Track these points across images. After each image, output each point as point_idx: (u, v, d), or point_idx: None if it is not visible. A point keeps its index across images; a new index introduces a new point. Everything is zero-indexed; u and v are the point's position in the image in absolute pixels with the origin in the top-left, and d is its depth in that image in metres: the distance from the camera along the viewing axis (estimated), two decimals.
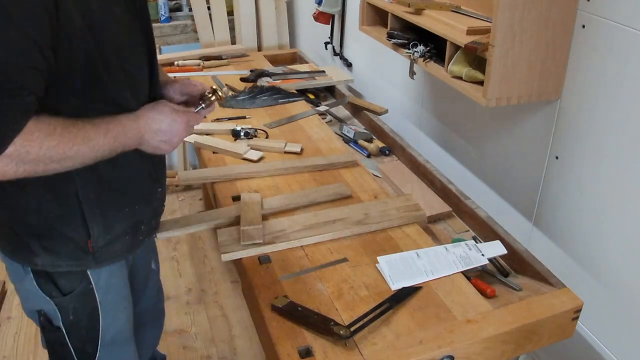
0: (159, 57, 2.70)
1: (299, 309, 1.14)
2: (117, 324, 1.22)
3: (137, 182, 1.13)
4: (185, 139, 1.85)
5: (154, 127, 1.04)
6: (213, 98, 1.19)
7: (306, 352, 1.06)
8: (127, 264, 1.24)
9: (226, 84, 2.36)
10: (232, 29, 3.14)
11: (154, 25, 3.13)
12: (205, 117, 1.20)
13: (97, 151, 0.95)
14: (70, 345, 1.18)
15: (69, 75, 0.91)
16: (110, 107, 0.99)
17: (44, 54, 0.84)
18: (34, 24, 0.81)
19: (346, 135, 2.03)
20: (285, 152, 1.81)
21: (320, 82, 2.44)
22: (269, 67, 2.65)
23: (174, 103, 1.14)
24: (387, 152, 1.95)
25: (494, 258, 1.37)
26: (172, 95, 1.20)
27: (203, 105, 1.18)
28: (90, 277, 1.13)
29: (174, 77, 1.33)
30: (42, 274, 1.11)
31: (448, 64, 1.45)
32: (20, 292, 1.17)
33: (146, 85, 1.09)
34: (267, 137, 1.92)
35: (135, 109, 1.05)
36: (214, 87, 1.20)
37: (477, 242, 1.37)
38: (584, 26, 1.28)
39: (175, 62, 2.63)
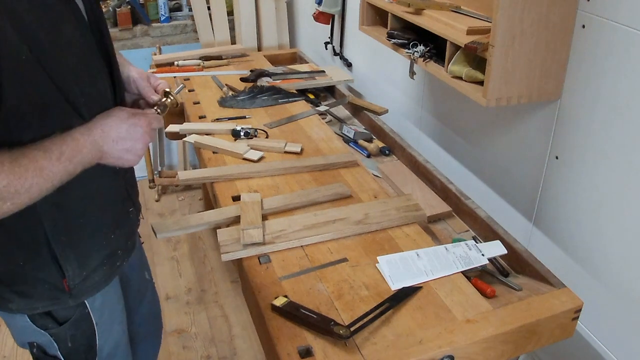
0: (159, 57, 2.70)
1: (299, 309, 1.14)
2: (113, 340, 1.20)
3: (110, 209, 1.07)
4: (186, 139, 1.87)
5: (112, 135, 0.95)
6: (168, 102, 1.11)
7: (306, 352, 1.06)
8: (118, 279, 1.21)
9: (226, 84, 2.36)
10: (232, 29, 3.14)
11: (154, 25, 3.15)
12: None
13: (52, 179, 0.86)
14: None
15: (20, 102, 0.84)
16: (65, 128, 0.91)
17: None
18: None
19: (346, 135, 2.03)
20: (285, 152, 1.81)
21: (320, 82, 2.44)
22: (269, 67, 2.65)
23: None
24: (387, 152, 1.95)
25: (494, 258, 1.37)
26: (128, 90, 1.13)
27: (158, 110, 1.09)
28: (85, 302, 1.10)
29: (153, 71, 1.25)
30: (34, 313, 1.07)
31: (448, 64, 1.45)
32: (11, 326, 1.13)
33: (109, 98, 1.02)
34: (267, 137, 1.92)
35: None
36: (167, 89, 1.13)
37: (477, 242, 1.37)
38: (584, 26, 1.28)
39: (175, 62, 2.63)
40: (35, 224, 0.96)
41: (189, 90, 2.35)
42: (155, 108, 1.09)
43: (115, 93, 1.04)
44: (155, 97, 1.12)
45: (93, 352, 1.16)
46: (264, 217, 1.44)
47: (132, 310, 1.36)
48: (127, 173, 1.13)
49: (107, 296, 1.15)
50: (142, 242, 1.40)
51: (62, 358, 1.13)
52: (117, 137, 0.95)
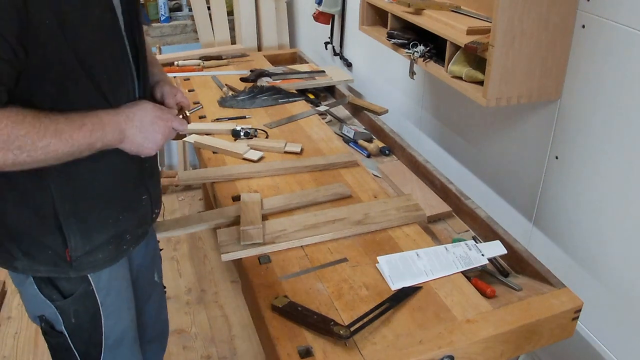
0: (159, 57, 2.70)
1: (299, 309, 1.14)
2: (120, 326, 1.21)
3: (119, 190, 1.09)
4: (186, 139, 1.87)
5: (136, 122, 1.01)
6: (181, 117, 1.16)
7: (306, 352, 1.06)
8: (128, 265, 1.23)
9: (226, 84, 2.36)
10: (232, 29, 3.14)
11: (154, 25, 3.15)
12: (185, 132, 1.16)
13: (71, 145, 0.91)
14: (74, 349, 1.16)
15: (42, 71, 0.89)
16: (85, 106, 0.97)
17: (12, 48, 0.83)
18: (1, 19, 0.81)
19: (346, 135, 2.03)
20: (285, 152, 1.81)
21: (320, 82, 2.44)
22: (269, 67, 2.65)
23: None
24: (387, 152, 1.95)
25: (494, 258, 1.37)
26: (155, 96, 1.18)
27: (182, 115, 1.16)
28: (90, 278, 1.12)
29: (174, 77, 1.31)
30: (41, 280, 1.10)
31: (448, 64, 1.45)
32: (24, 297, 1.16)
33: (130, 87, 1.06)
34: (267, 137, 1.92)
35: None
36: (182, 106, 1.19)
37: (477, 242, 1.37)
38: (584, 26, 1.28)
39: (175, 62, 2.63)
40: (45, 188, 1.00)
41: (189, 90, 2.35)
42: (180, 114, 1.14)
43: (139, 82, 1.08)
44: (174, 109, 1.17)
45: (98, 335, 1.17)
46: (264, 217, 1.44)
47: (139, 308, 1.35)
48: (145, 162, 1.14)
49: (114, 278, 1.16)
50: (161, 250, 1.42)
51: (67, 335, 1.15)
52: (140, 125, 1.01)
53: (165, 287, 1.49)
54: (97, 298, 1.14)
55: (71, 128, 0.91)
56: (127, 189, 1.11)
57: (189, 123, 1.16)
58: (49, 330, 1.15)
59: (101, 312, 1.16)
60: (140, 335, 1.38)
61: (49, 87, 0.91)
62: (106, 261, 1.12)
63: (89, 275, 1.11)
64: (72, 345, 1.16)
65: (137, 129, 1.01)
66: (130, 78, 1.06)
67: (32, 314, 1.17)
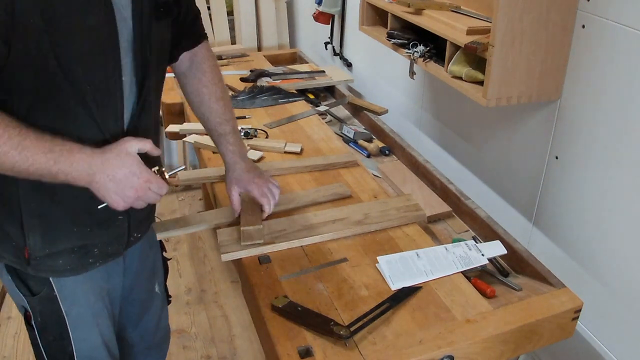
0: None
1: (299, 309, 1.14)
2: (90, 343, 1.18)
3: (91, 204, 1.01)
4: (186, 139, 1.87)
5: (109, 171, 0.94)
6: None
7: (306, 352, 1.05)
8: (103, 280, 1.18)
9: (226, 84, 2.36)
10: (232, 29, 3.14)
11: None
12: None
13: (30, 165, 0.87)
14: (42, 347, 1.15)
15: (21, 70, 0.87)
16: (66, 117, 0.93)
17: None
18: None
19: (346, 135, 2.03)
20: (285, 152, 1.81)
21: (320, 82, 2.44)
22: (269, 67, 2.65)
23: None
24: (387, 152, 1.95)
25: (494, 258, 1.37)
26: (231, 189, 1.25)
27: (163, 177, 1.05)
28: (52, 283, 1.09)
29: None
30: (12, 270, 1.09)
31: (448, 64, 1.45)
32: (5, 286, 1.15)
33: (119, 107, 1.01)
34: (267, 137, 1.92)
35: (98, 128, 0.98)
36: (161, 168, 1.07)
37: (477, 242, 1.37)
38: (584, 26, 1.28)
39: None
40: (13, 182, 0.97)
41: None
42: (159, 172, 1.05)
43: (138, 103, 1.04)
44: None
45: (65, 344, 1.15)
46: (264, 217, 1.43)
47: (132, 320, 1.34)
48: None
49: (81, 290, 1.13)
50: (169, 259, 1.41)
51: (36, 333, 1.14)
52: (113, 176, 0.95)
53: (170, 297, 1.47)
54: (61, 306, 1.12)
55: (36, 149, 0.87)
56: (97, 206, 1.02)
57: (169, 185, 1.06)
58: (26, 324, 1.15)
59: (67, 322, 1.13)
60: (139, 342, 1.38)
61: (27, 90, 0.89)
62: (67, 269, 1.09)
63: (50, 279, 1.09)
64: (40, 343, 1.15)
65: (108, 177, 0.94)
66: (120, 96, 1.00)
67: (17, 303, 1.16)
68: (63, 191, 0.99)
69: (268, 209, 1.36)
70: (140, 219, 1.19)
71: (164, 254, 1.42)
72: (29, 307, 1.12)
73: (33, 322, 1.13)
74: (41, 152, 0.88)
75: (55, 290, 1.10)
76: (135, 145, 0.98)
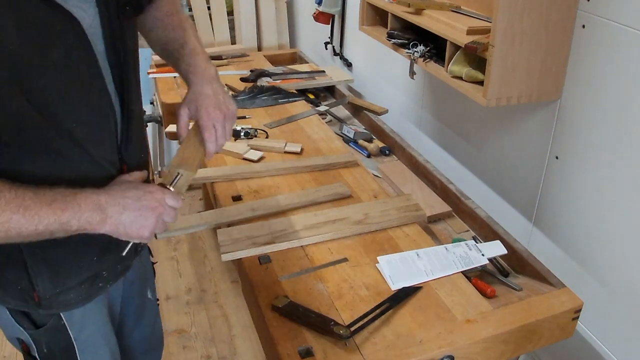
0: (159, 58, 2.69)
1: (299, 309, 1.14)
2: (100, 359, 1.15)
3: (90, 237, 0.91)
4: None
5: (118, 199, 0.88)
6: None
7: (306, 352, 1.05)
8: (106, 298, 1.15)
9: (226, 84, 2.36)
10: (232, 28, 3.14)
11: None
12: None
13: (37, 223, 0.80)
14: None
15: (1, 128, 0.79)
16: (55, 162, 0.87)
17: None
18: None
19: (346, 135, 2.03)
20: (285, 152, 1.81)
21: (320, 82, 2.44)
22: (269, 67, 2.65)
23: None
24: (387, 152, 1.95)
25: (494, 258, 1.37)
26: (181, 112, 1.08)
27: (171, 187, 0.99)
28: (61, 314, 1.05)
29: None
30: (14, 310, 1.04)
31: (448, 64, 1.45)
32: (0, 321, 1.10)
33: (113, 128, 0.96)
34: (267, 137, 1.92)
35: (93, 159, 0.92)
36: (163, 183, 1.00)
37: (477, 242, 1.37)
38: (584, 26, 1.28)
39: None
40: None
41: None
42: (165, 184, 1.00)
43: (123, 114, 0.98)
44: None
45: None
46: (264, 217, 1.44)
47: (129, 327, 1.33)
48: None
49: (89, 314, 1.10)
50: (155, 263, 1.38)
51: None
52: (124, 202, 0.88)
53: (158, 300, 1.45)
54: (70, 333, 1.08)
55: (38, 204, 0.80)
56: (106, 238, 0.93)
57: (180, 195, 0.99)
58: (25, 355, 1.11)
59: (75, 347, 1.09)
60: (135, 348, 1.36)
61: (11, 144, 0.82)
62: (79, 300, 1.05)
63: (60, 312, 1.06)
64: None
65: (120, 206, 0.87)
66: (113, 115, 0.95)
67: (9, 336, 1.10)
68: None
69: (211, 148, 1.09)
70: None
71: (151, 258, 1.40)
72: (29, 340, 1.08)
73: (36, 354, 1.08)
74: (45, 205, 0.81)
75: (64, 319, 1.06)
76: (130, 177, 0.97)
